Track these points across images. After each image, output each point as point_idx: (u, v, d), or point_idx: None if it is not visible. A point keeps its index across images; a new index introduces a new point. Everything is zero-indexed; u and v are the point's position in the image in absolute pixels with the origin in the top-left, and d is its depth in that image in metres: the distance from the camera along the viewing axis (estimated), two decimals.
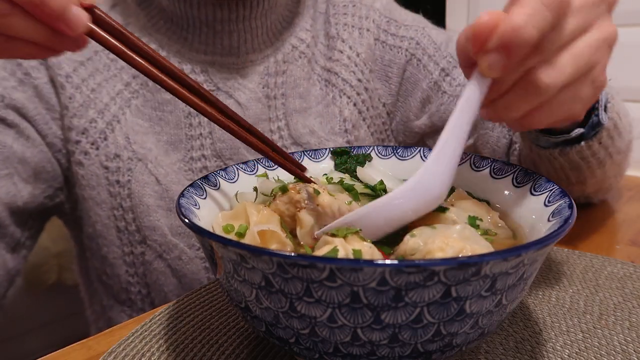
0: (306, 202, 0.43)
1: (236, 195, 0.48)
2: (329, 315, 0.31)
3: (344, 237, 0.37)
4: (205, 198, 0.44)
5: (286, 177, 0.51)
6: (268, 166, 0.52)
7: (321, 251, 0.36)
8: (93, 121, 0.70)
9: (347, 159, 0.55)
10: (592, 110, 0.56)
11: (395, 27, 0.81)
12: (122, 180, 0.70)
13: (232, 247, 0.31)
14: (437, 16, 1.32)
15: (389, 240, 0.42)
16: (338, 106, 0.78)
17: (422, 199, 0.41)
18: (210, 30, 0.73)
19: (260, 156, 0.51)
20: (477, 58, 0.38)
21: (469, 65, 0.42)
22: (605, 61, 0.42)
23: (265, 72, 0.76)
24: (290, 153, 0.54)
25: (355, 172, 0.54)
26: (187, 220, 0.35)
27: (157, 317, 0.49)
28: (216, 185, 0.47)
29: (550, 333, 0.46)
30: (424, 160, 0.54)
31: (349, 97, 0.79)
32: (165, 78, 0.41)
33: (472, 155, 0.50)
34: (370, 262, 0.28)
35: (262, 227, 0.40)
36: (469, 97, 0.39)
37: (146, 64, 0.40)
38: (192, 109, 0.73)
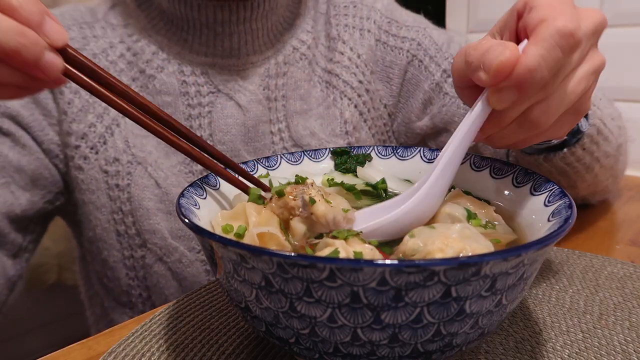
0: (300, 210, 0.43)
1: (234, 198, 0.48)
2: (329, 315, 0.31)
3: (345, 239, 0.37)
4: (205, 198, 0.44)
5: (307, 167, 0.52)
6: (268, 166, 0.52)
7: (322, 253, 0.36)
8: (92, 125, 0.70)
9: (347, 159, 0.55)
10: None
11: (396, 28, 0.81)
12: (122, 184, 0.70)
13: (232, 247, 0.31)
14: (438, 16, 1.32)
15: (389, 240, 0.42)
16: (339, 108, 0.78)
17: (417, 219, 0.43)
18: (211, 32, 0.73)
19: (260, 156, 0.51)
20: (489, 90, 0.39)
21: (464, 87, 0.44)
22: (592, 90, 0.43)
23: (265, 74, 0.76)
24: (290, 153, 0.54)
25: (356, 171, 0.54)
26: (187, 220, 0.35)
27: (157, 317, 0.49)
28: (216, 186, 0.47)
29: (550, 333, 0.46)
30: (423, 161, 0.54)
31: (349, 99, 0.79)
32: (138, 115, 0.41)
33: (472, 155, 0.50)
34: (370, 262, 0.28)
35: (261, 229, 0.40)
36: (470, 127, 0.41)
37: (118, 100, 0.40)
38: (192, 112, 0.73)
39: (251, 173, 0.51)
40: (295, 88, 0.77)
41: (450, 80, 0.77)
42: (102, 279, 0.75)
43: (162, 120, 0.43)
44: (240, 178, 0.47)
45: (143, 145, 0.71)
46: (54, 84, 0.38)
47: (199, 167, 0.72)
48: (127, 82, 0.72)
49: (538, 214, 0.41)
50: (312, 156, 0.55)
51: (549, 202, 0.41)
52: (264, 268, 0.31)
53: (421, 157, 0.54)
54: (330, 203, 0.44)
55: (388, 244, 0.41)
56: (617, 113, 0.66)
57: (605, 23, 0.41)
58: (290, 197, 0.43)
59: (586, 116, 0.57)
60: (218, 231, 0.41)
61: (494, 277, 0.30)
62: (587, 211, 0.73)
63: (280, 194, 0.44)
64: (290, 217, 0.43)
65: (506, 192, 0.47)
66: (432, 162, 0.53)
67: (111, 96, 0.40)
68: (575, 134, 0.58)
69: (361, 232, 0.39)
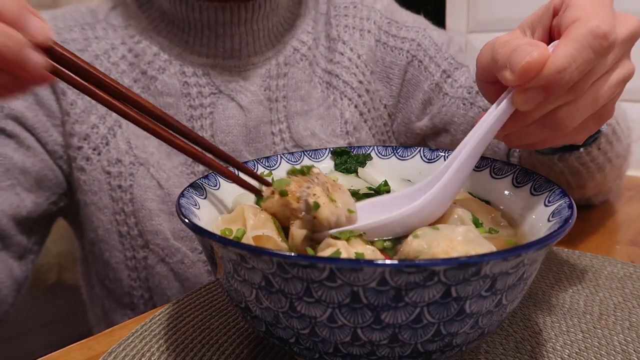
0: (303, 213, 0.41)
1: (234, 200, 0.47)
2: (329, 315, 0.31)
3: (347, 240, 0.37)
4: (205, 198, 0.44)
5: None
6: (268, 166, 0.52)
7: (324, 253, 0.36)
8: (95, 127, 0.70)
9: (347, 159, 0.55)
10: None
11: (396, 29, 0.81)
12: (124, 185, 0.70)
13: (232, 247, 0.31)
14: (438, 16, 1.32)
15: (392, 240, 0.42)
16: (339, 108, 0.78)
17: (425, 218, 0.42)
18: (212, 33, 0.73)
19: (259, 156, 0.50)
20: (515, 90, 0.38)
21: (488, 81, 0.42)
22: (618, 97, 0.42)
23: (266, 75, 0.76)
24: (290, 153, 0.54)
25: (357, 172, 0.54)
26: (187, 221, 0.36)
27: (157, 317, 0.49)
28: (216, 186, 0.47)
29: (550, 333, 0.46)
30: (423, 161, 0.54)
31: (350, 99, 0.79)
32: (128, 111, 0.40)
33: None
34: (370, 262, 0.28)
35: (256, 232, 0.40)
36: (492, 126, 0.39)
37: (107, 97, 0.39)
38: (193, 113, 0.73)
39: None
40: (295, 89, 0.77)
41: (449, 80, 0.77)
42: (104, 280, 0.75)
43: (159, 119, 0.42)
44: (242, 175, 0.47)
45: (145, 147, 0.71)
46: (40, 81, 0.37)
47: (201, 168, 0.72)
48: (129, 84, 0.72)
49: (538, 214, 0.41)
50: (312, 156, 0.55)
51: (549, 202, 0.41)
52: (264, 268, 0.31)
53: (421, 157, 0.54)
54: (335, 202, 0.42)
55: (392, 247, 0.41)
56: (625, 113, 0.66)
57: None
58: (292, 199, 0.42)
59: None
60: None
61: (494, 277, 0.30)
62: (587, 211, 0.73)
63: (284, 193, 0.42)
64: (291, 222, 0.42)
65: (506, 192, 0.47)
66: (432, 162, 0.53)
67: (105, 96, 0.39)
68: (593, 134, 0.57)
69: (364, 233, 0.39)
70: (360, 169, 0.53)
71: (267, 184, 0.48)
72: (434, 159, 0.53)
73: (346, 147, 0.56)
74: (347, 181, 0.52)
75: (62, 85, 0.69)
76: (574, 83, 0.37)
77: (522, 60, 0.35)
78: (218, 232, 0.41)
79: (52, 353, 0.46)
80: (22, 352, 1.46)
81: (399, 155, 0.55)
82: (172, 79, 0.73)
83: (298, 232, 0.41)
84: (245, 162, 0.51)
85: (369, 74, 0.80)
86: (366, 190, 0.51)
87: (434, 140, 0.80)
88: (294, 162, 0.54)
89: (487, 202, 0.47)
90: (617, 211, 0.75)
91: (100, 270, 0.75)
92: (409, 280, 0.29)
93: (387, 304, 0.30)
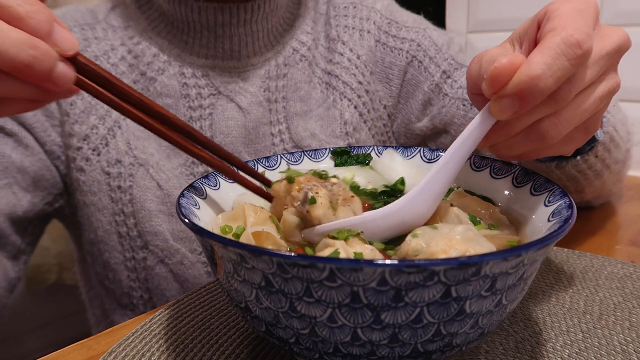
0: (299, 203, 0.42)
1: (235, 199, 0.48)
2: (329, 315, 0.31)
3: (345, 239, 0.37)
4: (205, 198, 0.44)
5: (307, 167, 0.52)
6: (268, 166, 0.52)
7: (322, 253, 0.36)
8: (94, 127, 0.70)
9: (347, 159, 0.55)
10: None
11: (396, 29, 0.81)
12: (124, 185, 0.70)
13: (232, 247, 0.31)
14: (438, 16, 1.32)
15: (391, 240, 0.42)
16: (339, 109, 0.78)
17: (411, 217, 0.42)
18: (211, 34, 0.73)
19: (259, 156, 0.51)
20: (491, 99, 0.38)
21: (477, 93, 0.43)
22: (604, 110, 0.42)
23: (266, 76, 0.76)
24: (290, 153, 0.54)
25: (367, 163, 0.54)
26: (187, 220, 0.36)
27: (157, 317, 0.49)
28: (216, 186, 0.47)
29: (550, 333, 0.46)
30: (423, 161, 0.54)
31: (349, 100, 0.79)
32: (151, 121, 0.40)
33: (473, 155, 0.50)
34: (370, 262, 0.28)
35: (256, 228, 0.40)
36: (471, 133, 0.40)
37: (131, 108, 0.39)
38: (193, 114, 0.73)
39: None
40: (295, 89, 0.77)
41: (449, 81, 0.77)
42: (103, 280, 0.75)
43: (178, 128, 0.42)
44: (242, 174, 0.47)
45: (145, 147, 0.71)
46: (66, 95, 0.36)
47: (201, 169, 0.72)
48: (129, 85, 0.72)
49: (538, 214, 0.41)
50: (312, 156, 0.55)
51: (549, 202, 0.41)
52: (263, 268, 0.31)
53: (421, 157, 0.54)
54: (336, 211, 0.42)
55: (391, 244, 0.41)
56: (625, 117, 0.65)
57: (628, 43, 0.40)
58: (297, 186, 0.43)
59: (601, 124, 0.57)
60: (217, 232, 0.41)
61: (494, 277, 0.30)
62: (587, 211, 0.73)
63: (291, 179, 0.44)
64: (285, 206, 0.43)
65: (506, 192, 0.47)
66: (433, 162, 0.53)
67: (124, 105, 0.38)
68: (590, 142, 0.57)
69: (362, 232, 0.39)
70: (375, 160, 0.54)
71: (268, 183, 0.48)
72: (434, 159, 0.53)
73: (346, 147, 0.56)
74: (364, 176, 0.52)
75: None
76: (554, 93, 0.37)
77: (491, 66, 0.36)
78: (217, 230, 0.41)
79: (52, 353, 0.46)
80: (22, 352, 1.46)
81: (399, 155, 0.55)
82: (171, 80, 0.73)
83: (290, 217, 0.42)
84: (245, 162, 0.51)
85: (369, 75, 0.80)
86: (382, 188, 0.51)
87: (434, 141, 0.80)
88: (294, 162, 0.54)
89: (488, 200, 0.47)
90: (617, 211, 0.75)
91: (99, 270, 0.75)
92: (409, 280, 0.29)
93: (387, 303, 0.30)
